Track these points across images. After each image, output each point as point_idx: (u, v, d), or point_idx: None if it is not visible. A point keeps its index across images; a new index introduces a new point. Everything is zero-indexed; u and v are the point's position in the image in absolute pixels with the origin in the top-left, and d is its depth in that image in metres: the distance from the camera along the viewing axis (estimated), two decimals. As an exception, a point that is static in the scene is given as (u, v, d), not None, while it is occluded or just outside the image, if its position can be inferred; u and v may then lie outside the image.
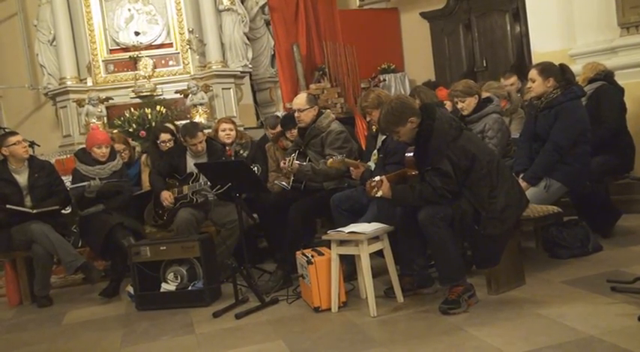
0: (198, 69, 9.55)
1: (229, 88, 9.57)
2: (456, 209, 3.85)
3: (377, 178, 3.97)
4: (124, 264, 5.45)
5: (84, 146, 6.01)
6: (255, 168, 5.26)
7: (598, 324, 3.29)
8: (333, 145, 5.07)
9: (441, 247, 3.89)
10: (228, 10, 9.78)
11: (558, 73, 4.82)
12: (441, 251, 3.91)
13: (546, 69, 4.84)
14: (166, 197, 5.55)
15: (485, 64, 10.78)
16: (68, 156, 8.18)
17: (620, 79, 6.11)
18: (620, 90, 5.64)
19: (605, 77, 5.60)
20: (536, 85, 4.85)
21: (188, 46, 9.50)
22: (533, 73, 4.88)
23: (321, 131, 5.19)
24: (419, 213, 3.89)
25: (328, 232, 4.30)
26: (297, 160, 5.16)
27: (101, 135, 5.92)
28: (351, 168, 4.97)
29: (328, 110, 5.57)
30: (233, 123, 6.50)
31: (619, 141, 5.43)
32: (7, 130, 6.45)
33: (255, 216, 5.79)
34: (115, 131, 8.37)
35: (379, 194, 3.94)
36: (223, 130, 6.23)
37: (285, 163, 5.06)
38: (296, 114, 5.27)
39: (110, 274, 5.59)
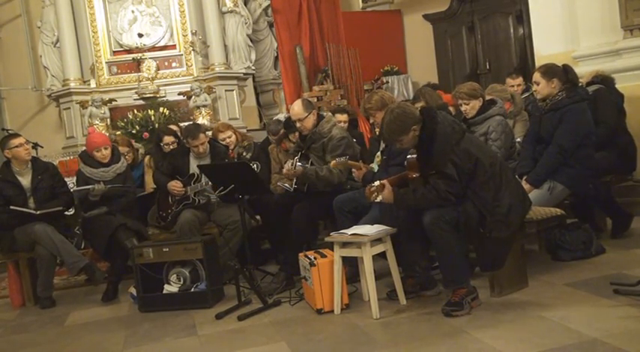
0: (201, 71, 9.56)
1: (232, 90, 9.58)
2: (461, 212, 3.85)
3: (376, 183, 3.96)
4: (124, 265, 5.46)
5: (87, 148, 6.02)
6: (255, 165, 5.24)
7: (601, 327, 3.28)
8: (335, 152, 5.02)
9: (446, 250, 3.89)
10: (232, 11, 9.80)
11: (561, 73, 4.82)
12: (445, 254, 3.91)
13: (549, 70, 4.84)
14: (174, 185, 5.52)
15: (488, 67, 10.78)
16: (71, 157, 8.20)
17: (624, 82, 6.12)
18: (619, 95, 5.66)
19: (602, 81, 5.62)
20: (541, 87, 4.85)
21: (191, 48, 9.51)
22: (536, 76, 4.89)
23: (323, 136, 5.14)
24: (424, 216, 3.88)
25: (331, 234, 4.30)
26: (299, 162, 5.15)
27: (98, 138, 5.86)
28: (353, 170, 4.97)
29: (329, 114, 5.55)
30: (230, 127, 6.48)
31: (619, 140, 5.44)
32: (10, 132, 6.44)
33: (257, 217, 5.80)
34: (118, 133, 8.38)
35: (379, 199, 3.94)
36: (223, 139, 6.21)
37: (287, 168, 5.05)
38: (297, 125, 5.21)
39: (109, 276, 5.58)
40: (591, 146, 4.82)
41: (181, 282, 4.89)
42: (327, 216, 5.28)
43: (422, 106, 4.64)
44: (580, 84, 5.09)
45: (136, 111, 8.86)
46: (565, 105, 4.73)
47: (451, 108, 5.76)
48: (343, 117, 6.33)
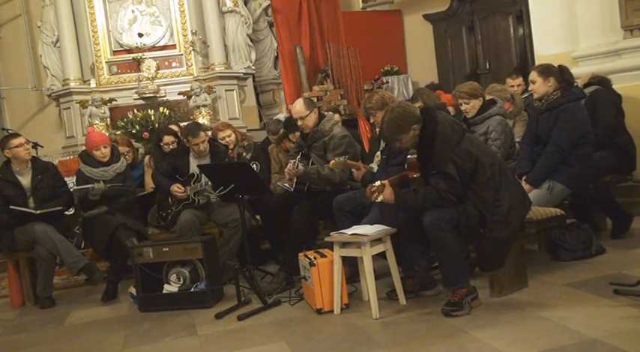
0: (201, 70, 9.57)
1: (232, 90, 9.60)
2: (461, 212, 3.85)
3: (377, 183, 3.96)
4: (123, 265, 5.46)
5: (87, 148, 6.02)
6: (255, 165, 5.22)
7: (601, 327, 3.28)
8: (337, 150, 5.02)
9: (446, 250, 3.89)
10: (232, 11, 9.81)
11: (557, 73, 4.83)
12: (445, 254, 3.91)
13: (546, 69, 4.87)
14: (176, 189, 5.52)
15: (488, 67, 10.78)
16: (71, 157, 8.21)
17: (624, 82, 6.13)
18: (617, 95, 5.68)
19: (600, 82, 5.63)
20: (537, 85, 4.86)
21: (191, 48, 9.52)
22: (533, 75, 4.92)
23: (324, 135, 5.15)
24: (424, 216, 3.88)
25: (331, 234, 4.30)
26: (299, 162, 5.15)
27: (98, 137, 5.89)
28: (353, 170, 4.96)
29: (331, 113, 5.55)
30: (229, 126, 6.48)
31: (618, 139, 5.46)
32: (10, 131, 6.45)
33: (257, 217, 5.79)
34: (119, 133, 8.39)
35: (380, 199, 3.94)
36: (222, 139, 6.21)
37: (289, 168, 5.05)
38: (299, 123, 5.22)
39: (108, 276, 5.57)
40: (589, 145, 4.82)
41: (181, 282, 4.89)
42: (327, 216, 5.28)
43: (422, 106, 4.64)
44: (575, 84, 5.10)
45: (136, 111, 8.87)
46: (560, 105, 4.74)
47: (450, 108, 5.77)
48: (335, 117, 6.33)
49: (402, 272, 4.28)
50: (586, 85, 5.60)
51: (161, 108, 8.84)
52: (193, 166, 5.59)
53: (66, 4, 9.31)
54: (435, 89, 7.71)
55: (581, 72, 6.12)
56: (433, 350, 3.34)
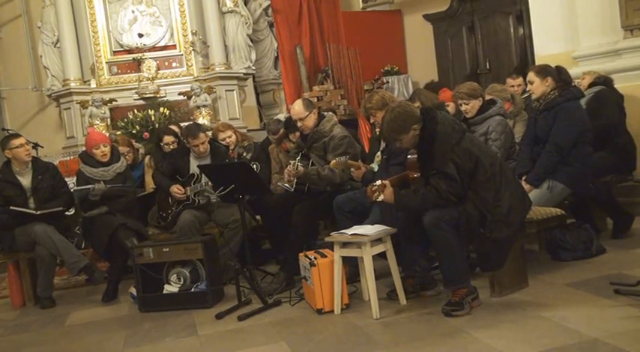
0: (201, 71, 9.57)
1: (232, 90, 9.60)
2: (462, 212, 3.85)
3: (378, 182, 3.96)
4: (123, 265, 5.46)
5: (87, 148, 6.02)
6: (255, 165, 5.21)
7: (601, 327, 3.28)
8: (337, 151, 5.02)
9: (446, 250, 3.89)
10: (232, 11, 9.82)
11: (555, 72, 4.85)
12: (446, 254, 3.91)
13: (543, 70, 4.89)
14: (176, 190, 5.52)
15: (488, 67, 10.78)
16: (72, 157, 8.21)
17: (624, 82, 6.13)
18: (620, 95, 5.70)
19: (604, 82, 5.65)
20: (535, 85, 4.87)
21: (191, 48, 9.52)
22: (530, 75, 4.93)
23: (324, 135, 5.16)
24: (424, 216, 3.88)
25: (331, 234, 4.30)
26: (300, 163, 5.15)
27: (98, 136, 5.90)
28: (352, 169, 4.97)
29: (330, 113, 5.55)
30: (230, 127, 6.48)
31: (618, 139, 5.47)
32: (10, 132, 6.44)
33: (257, 217, 5.79)
34: (119, 133, 8.39)
35: (380, 198, 3.94)
36: (223, 139, 6.21)
37: (289, 168, 5.05)
38: (298, 124, 5.22)
39: (108, 276, 5.57)
40: (588, 144, 4.83)
41: (181, 282, 4.89)
42: (327, 216, 5.28)
43: (420, 106, 4.64)
44: (573, 84, 5.11)
45: (136, 111, 8.87)
46: (558, 104, 4.75)
47: (451, 105, 5.76)
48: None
49: (402, 272, 4.28)
50: (591, 85, 5.61)
51: (161, 109, 8.84)
52: (194, 166, 5.58)
53: (66, 5, 9.31)
54: (435, 87, 7.69)
55: (581, 71, 6.12)
56: (433, 350, 3.34)
